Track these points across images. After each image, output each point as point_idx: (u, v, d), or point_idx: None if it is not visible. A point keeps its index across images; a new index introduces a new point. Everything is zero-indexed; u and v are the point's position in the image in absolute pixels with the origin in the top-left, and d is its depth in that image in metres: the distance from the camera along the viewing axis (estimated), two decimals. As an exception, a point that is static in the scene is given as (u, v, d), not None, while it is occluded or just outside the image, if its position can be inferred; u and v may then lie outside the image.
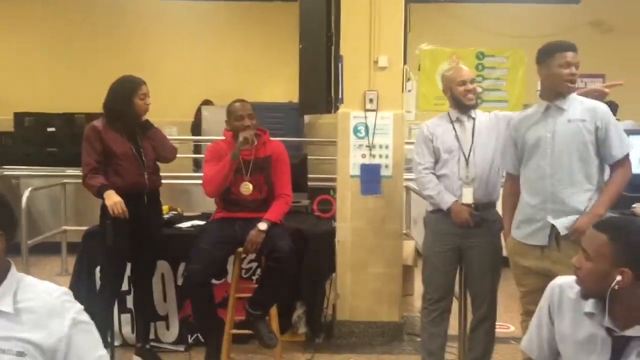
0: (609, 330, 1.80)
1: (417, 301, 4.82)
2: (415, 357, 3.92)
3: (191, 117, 8.60)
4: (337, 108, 4.14)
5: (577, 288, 1.86)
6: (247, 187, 3.58)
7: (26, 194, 5.24)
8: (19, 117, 8.41)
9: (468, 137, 3.38)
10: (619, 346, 1.77)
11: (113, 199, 3.36)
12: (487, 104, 8.63)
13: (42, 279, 5.04)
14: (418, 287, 4.65)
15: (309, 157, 7.44)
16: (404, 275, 5.04)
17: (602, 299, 1.78)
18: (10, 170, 6.82)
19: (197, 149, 7.85)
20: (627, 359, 1.75)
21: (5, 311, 1.59)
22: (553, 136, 2.91)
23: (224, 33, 9.12)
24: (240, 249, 3.53)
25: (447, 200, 3.33)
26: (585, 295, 1.84)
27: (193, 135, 8.14)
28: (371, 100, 4.02)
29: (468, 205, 3.30)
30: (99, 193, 3.40)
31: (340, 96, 4.10)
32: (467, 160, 3.34)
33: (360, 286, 4.11)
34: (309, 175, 6.24)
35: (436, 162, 3.42)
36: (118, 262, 3.49)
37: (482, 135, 3.38)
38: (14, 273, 1.66)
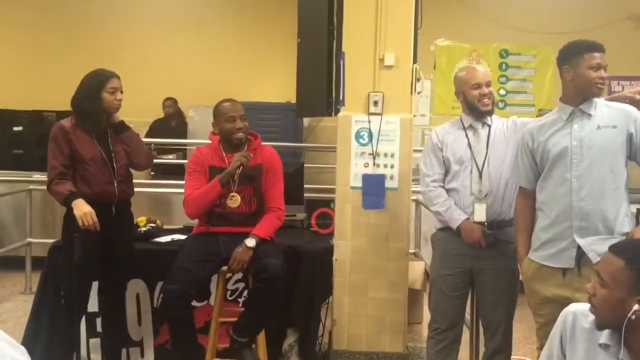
0: None
1: (425, 330, 4.83)
2: (421, 393, 3.96)
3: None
4: (337, 111, 4.17)
5: (592, 317, 1.91)
6: (234, 199, 3.62)
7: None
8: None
9: (482, 146, 3.42)
10: None
11: (83, 209, 3.41)
12: (512, 107, 8.68)
13: (4, 296, 5.11)
14: (427, 314, 4.70)
15: (307, 164, 7.53)
16: (410, 301, 5.09)
17: (618, 330, 1.82)
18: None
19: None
20: None
21: None
22: (580, 145, 2.93)
23: (211, 24, 9.19)
24: (225, 268, 3.57)
25: (456, 217, 3.37)
26: (599, 325, 1.88)
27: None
28: (376, 103, 4.08)
29: (480, 223, 3.34)
30: (67, 201, 3.45)
31: (341, 97, 4.14)
32: (480, 173, 3.38)
33: (360, 312, 4.15)
34: (307, 186, 6.31)
35: (446, 173, 3.46)
36: (84, 280, 3.53)
37: (498, 144, 3.42)
38: None
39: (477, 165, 3.40)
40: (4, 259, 6.13)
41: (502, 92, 8.64)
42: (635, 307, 1.77)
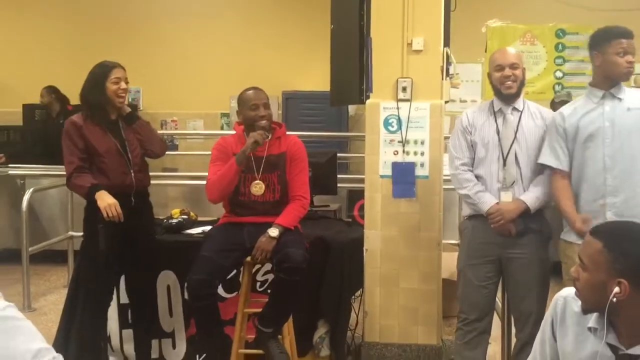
0: (613, 348, 1.87)
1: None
2: (455, 387, 4.01)
3: (219, 109, 8.89)
4: (367, 97, 4.25)
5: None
6: (258, 187, 3.75)
7: (26, 196, 5.59)
8: (28, 109, 8.89)
9: (510, 133, 3.43)
10: None
11: (107, 200, 3.59)
12: (570, 90, 8.57)
13: (46, 291, 5.41)
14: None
15: (352, 154, 7.64)
16: (449, 293, 5.12)
17: (603, 313, 1.86)
18: (17, 169, 7.26)
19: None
20: None
21: None
22: (612, 125, 3.14)
23: (255, 15, 9.33)
24: (249, 258, 3.70)
25: (486, 200, 3.39)
26: (584, 309, 1.92)
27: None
28: (404, 89, 4.11)
29: None
30: (89, 194, 3.63)
31: (369, 84, 4.21)
32: (505, 161, 3.40)
33: (391, 303, 4.21)
34: (350, 176, 6.42)
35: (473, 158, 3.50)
36: (109, 269, 3.71)
37: (527, 132, 3.42)
38: None
39: (502, 151, 3.42)
40: (49, 253, 6.45)
41: (559, 74, 8.54)
42: (616, 289, 1.80)
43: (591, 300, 1.89)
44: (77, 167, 3.68)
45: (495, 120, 3.48)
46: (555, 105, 7.32)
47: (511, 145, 3.42)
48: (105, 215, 3.57)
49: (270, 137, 3.75)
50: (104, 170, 3.70)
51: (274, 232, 3.61)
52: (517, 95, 3.46)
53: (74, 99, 8.58)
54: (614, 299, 1.81)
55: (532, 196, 3.38)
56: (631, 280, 1.79)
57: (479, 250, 3.48)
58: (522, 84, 3.47)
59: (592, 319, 1.91)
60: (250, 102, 3.75)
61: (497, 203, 3.40)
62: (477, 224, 3.49)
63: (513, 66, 3.42)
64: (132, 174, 3.75)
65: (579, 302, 1.96)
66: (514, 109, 3.48)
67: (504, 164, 3.41)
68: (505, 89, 3.41)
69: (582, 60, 8.48)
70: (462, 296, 3.55)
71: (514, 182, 3.41)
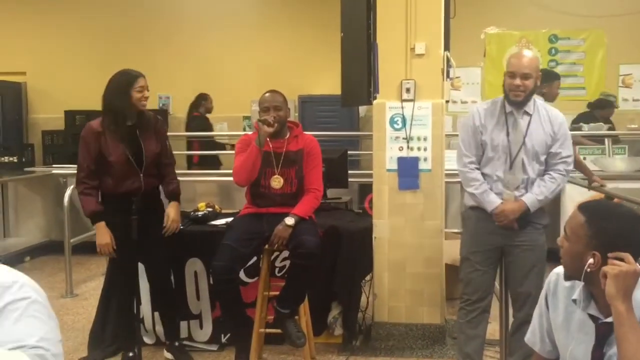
0: (593, 318, 1.86)
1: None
2: (457, 362, 3.98)
3: (242, 113, 8.90)
4: (374, 98, 4.24)
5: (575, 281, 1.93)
6: (277, 181, 3.75)
7: (68, 192, 5.65)
8: (69, 115, 8.99)
9: (519, 137, 3.31)
10: (604, 333, 1.83)
11: (103, 239, 3.67)
12: (562, 91, 8.46)
13: (87, 278, 5.43)
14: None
15: (363, 152, 7.63)
16: (452, 277, 5.09)
17: (585, 285, 1.85)
18: (59, 169, 7.33)
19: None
20: (611, 347, 1.80)
21: None
22: None
23: (274, 25, 9.35)
24: (267, 246, 3.71)
25: (491, 200, 3.33)
26: (566, 276, 1.94)
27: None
28: (408, 90, 4.09)
29: None
30: (90, 219, 3.71)
31: (376, 86, 4.20)
32: (511, 164, 3.33)
33: (399, 286, 4.20)
34: (361, 171, 6.40)
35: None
36: (130, 259, 3.73)
37: (536, 136, 3.31)
38: None
39: (510, 155, 3.32)
40: (89, 244, 6.45)
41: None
42: (590, 260, 1.81)
43: (570, 267, 1.91)
44: (87, 174, 3.66)
45: (506, 123, 3.33)
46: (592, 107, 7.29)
47: (519, 151, 3.31)
48: (99, 252, 3.67)
49: (275, 127, 3.69)
50: (112, 175, 3.68)
51: (290, 220, 3.61)
52: (524, 102, 3.31)
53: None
54: (588, 269, 1.82)
55: (533, 198, 3.31)
56: (603, 254, 1.81)
57: (483, 239, 3.41)
58: (531, 92, 3.30)
59: (577, 291, 1.90)
60: (263, 104, 3.77)
61: (502, 202, 3.33)
62: (480, 214, 3.41)
63: (525, 76, 3.24)
64: (142, 178, 3.71)
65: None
66: (525, 112, 3.33)
67: (510, 167, 3.32)
68: (513, 97, 3.28)
69: (573, 63, 8.42)
70: (465, 279, 3.51)
71: (517, 186, 3.33)
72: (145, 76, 3.74)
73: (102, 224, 3.68)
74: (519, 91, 3.25)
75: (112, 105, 3.65)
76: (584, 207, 1.90)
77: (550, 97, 4.93)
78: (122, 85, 3.65)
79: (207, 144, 8.12)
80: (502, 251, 3.44)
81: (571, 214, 1.93)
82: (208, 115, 8.42)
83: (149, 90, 3.76)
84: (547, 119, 3.35)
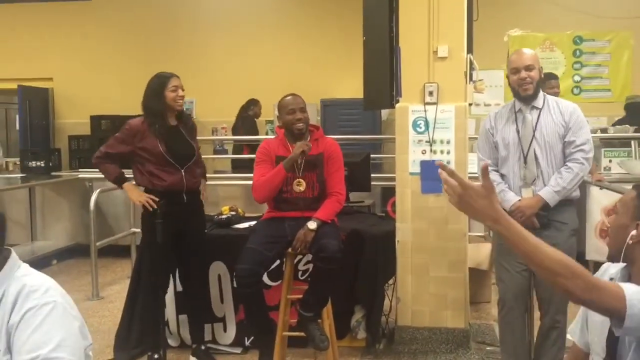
0: None
1: (493, 309, 4.81)
2: (481, 366, 3.95)
3: (264, 117, 8.93)
4: (396, 102, 4.23)
5: (620, 265, 1.91)
6: (300, 185, 3.75)
7: (94, 196, 5.71)
8: (95, 120, 9.12)
9: (529, 131, 3.33)
10: None
11: (137, 195, 3.77)
12: (587, 93, 8.42)
13: (112, 281, 5.50)
14: (495, 293, 4.65)
15: (385, 155, 7.61)
16: (477, 281, 5.06)
17: (626, 264, 1.83)
18: (85, 174, 7.43)
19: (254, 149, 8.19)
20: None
21: None
22: None
23: (296, 29, 9.40)
24: (290, 250, 3.71)
25: (509, 199, 3.31)
26: (609, 255, 1.91)
27: (233, 135, 8.47)
28: (431, 93, 4.08)
29: None
30: (116, 183, 3.83)
31: (398, 90, 4.19)
32: (525, 159, 3.32)
33: (422, 290, 4.17)
34: (383, 175, 6.39)
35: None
36: (165, 261, 3.75)
37: (545, 128, 3.31)
38: (8, 270, 1.84)
39: (522, 151, 3.33)
40: (114, 247, 6.57)
41: (577, 78, 8.38)
42: (633, 232, 1.79)
43: (613, 242, 1.89)
44: (110, 154, 3.80)
45: (516, 121, 3.38)
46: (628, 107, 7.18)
47: (530, 144, 3.32)
48: (145, 205, 3.70)
49: (309, 140, 3.74)
50: (155, 174, 3.76)
51: (312, 225, 3.61)
52: (535, 95, 3.35)
53: (131, 109, 8.84)
54: (630, 241, 1.79)
55: (549, 190, 3.28)
56: None
57: None
58: (538, 84, 3.35)
59: (613, 271, 1.89)
60: (288, 107, 3.76)
61: (519, 200, 3.32)
62: None
63: (528, 68, 3.30)
64: (183, 175, 3.78)
65: (619, 267, 1.91)
66: (533, 107, 3.37)
67: (525, 162, 3.32)
68: (523, 91, 3.31)
69: (598, 65, 8.33)
70: (499, 284, 3.47)
71: (534, 179, 3.32)
72: (178, 76, 3.81)
73: (128, 184, 3.83)
74: (527, 83, 3.30)
75: (150, 108, 3.76)
76: (638, 186, 1.90)
77: None
78: (157, 87, 3.76)
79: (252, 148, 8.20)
80: None
81: (627, 191, 1.94)
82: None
83: (184, 90, 3.82)
84: (557, 110, 3.36)
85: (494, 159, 3.43)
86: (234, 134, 8.53)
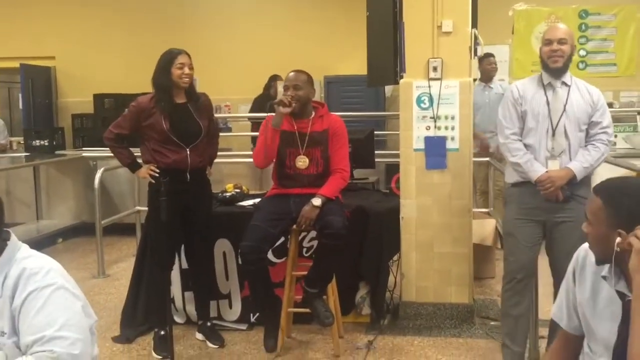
0: (621, 295, 1.84)
1: (497, 285, 4.83)
2: (486, 341, 3.98)
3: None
4: (400, 77, 4.21)
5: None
6: (302, 161, 3.75)
7: (98, 174, 5.71)
8: (98, 98, 9.09)
9: (559, 105, 3.31)
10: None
11: (143, 173, 3.81)
12: (593, 67, 8.33)
13: (118, 259, 5.52)
14: (499, 269, 4.67)
15: (389, 132, 7.60)
16: (482, 257, 5.08)
17: (616, 264, 1.83)
18: (89, 152, 7.44)
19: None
20: None
21: None
22: None
23: (296, 5, 9.35)
24: (295, 226, 3.72)
25: (536, 169, 3.28)
26: (596, 260, 1.91)
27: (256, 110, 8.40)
28: (435, 69, 4.05)
29: None
30: (130, 168, 3.91)
31: (402, 65, 4.16)
32: (554, 131, 3.30)
33: (426, 266, 4.18)
34: (387, 152, 6.38)
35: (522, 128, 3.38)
36: (170, 239, 3.76)
37: (576, 105, 3.30)
38: (8, 254, 1.86)
39: (552, 123, 3.30)
40: (119, 226, 6.59)
41: (582, 52, 8.29)
42: (618, 239, 1.79)
43: (599, 252, 1.88)
44: (119, 134, 3.82)
45: (545, 93, 3.35)
46: None
47: (560, 117, 3.30)
48: (148, 178, 3.75)
49: (293, 106, 3.68)
50: (158, 151, 3.76)
51: (316, 201, 3.61)
52: (564, 69, 3.32)
53: (134, 87, 8.81)
54: (618, 249, 1.80)
55: (579, 165, 3.27)
56: (628, 230, 1.78)
57: (527, 212, 3.36)
58: (569, 59, 3.32)
59: (605, 269, 1.89)
60: (284, 83, 3.82)
61: (547, 171, 3.29)
62: (523, 189, 3.37)
63: (561, 41, 3.28)
64: (188, 154, 3.76)
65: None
66: (563, 83, 3.35)
67: (553, 135, 3.30)
68: (552, 63, 3.28)
69: (604, 39, 8.23)
70: (509, 257, 3.45)
71: (562, 151, 3.31)
72: (188, 54, 3.78)
73: (139, 170, 3.88)
74: (557, 56, 3.28)
75: (157, 83, 3.76)
76: (598, 189, 1.89)
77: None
78: (164, 63, 3.74)
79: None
80: (545, 227, 3.37)
81: (588, 199, 1.93)
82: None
83: (192, 68, 3.79)
84: (586, 90, 3.37)
85: (519, 128, 3.38)
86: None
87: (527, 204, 3.36)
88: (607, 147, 3.34)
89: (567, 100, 3.31)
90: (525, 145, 3.35)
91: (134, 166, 3.90)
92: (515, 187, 3.42)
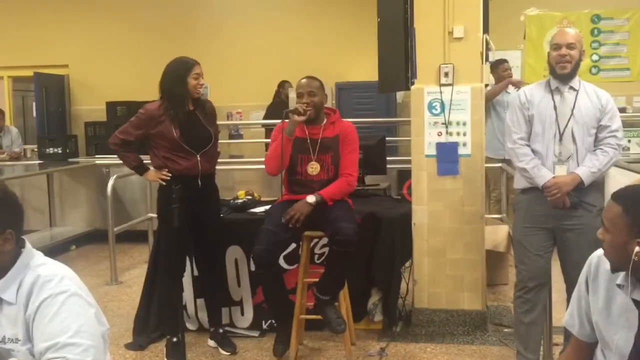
0: (637, 303, 1.82)
1: (510, 291, 4.80)
2: (499, 348, 3.95)
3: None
4: (412, 83, 4.20)
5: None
6: (313, 168, 3.76)
7: (111, 182, 5.75)
8: (110, 106, 9.14)
9: (567, 110, 3.29)
10: None
11: (153, 175, 3.83)
12: (605, 72, 8.29)
13: (130, 266, 5.55)
14: (513, 275, 4.64)
15: (401, 138, 7.58)
16: (495, 263, 5.05)
17: (632, 273, 1.81)
18: (102, 160, 7.48)
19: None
20: None
21: (8, 301, 1.82)
22: None
23: (308, 11, 9.37)
24: (308, 233, 3.72)
25: (544, 175, 3.26)
26: (612, 268, 1.88)
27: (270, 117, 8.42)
28: (446, 74, 4.04)
29: None
30: (136, 171, 3.94)
31: (413, 71, 4.16)
32: (561, 136, 3.28)
33: (439, 272, 4.16)
34: (399, 158, 6.37)
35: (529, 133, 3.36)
36: (181, 246, 3.77)
37: (585, 110, 3.28)
38: (23, 261, 1.87)
39: (559, 127, 3.28)
40: (132, 233, 6.62)
41: (595, 57, 8.25)
42: (637, 249, 1.77)
43: (615, 260, 1.86)
44: (125, 140, 3.83)
45: (553, 98, 3.32)
46: None
47: (568, 122, 3.27)
48: (160, 181, 3.77)
49: (309, 114, 3.69)
50: (170, 158, 3.77)
51: (311, 198, 3.62)
52: (571, 75, 3.30)
53: (147, 95, 8.86)
54: (636, 258, 1.77)
55: (586, 170, 3.24)
56: None
57: (535, 219, 3.34)
58: (577, 64, 3.30)
59: (620, 276, 1.86)
60: (298, 90, 3.81)
61: (554, 177, 3.27)
62: (532, 196, 3.35)
63: (570, 46, 3.25)
64: (199, 160, 3.78)
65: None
66: (571, 87, 3.32)
67: (561, 140, 3.27)
68: (560, 69, 3.26)
69: (617, 44, 8.18)
70: (520, 266, 3.43)
71: (569, 156, 3.28)
72: (200, 63, 3.80)
73: (147, 172, 3.91)
74: (565, 61, 3.26)
75: (170, 92, 3.75)
76: (618, 196, 1.86)
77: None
78: (180, 72, 3.73)
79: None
80: (554, 235, 3.34)
81: (606, 205, 1.90)
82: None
83: (203, 77, 3.82)
84: (594, 94, 3.34)
85: (526, 133, 3.36)
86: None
87: (535, 212, 3.34)
88: (616, 152, 3.30)
89: (574, 104, 3.29)
90: (533, 151, 3.33)
91: (140, 169, 3.93)
92: (524, 194, 3.41)
